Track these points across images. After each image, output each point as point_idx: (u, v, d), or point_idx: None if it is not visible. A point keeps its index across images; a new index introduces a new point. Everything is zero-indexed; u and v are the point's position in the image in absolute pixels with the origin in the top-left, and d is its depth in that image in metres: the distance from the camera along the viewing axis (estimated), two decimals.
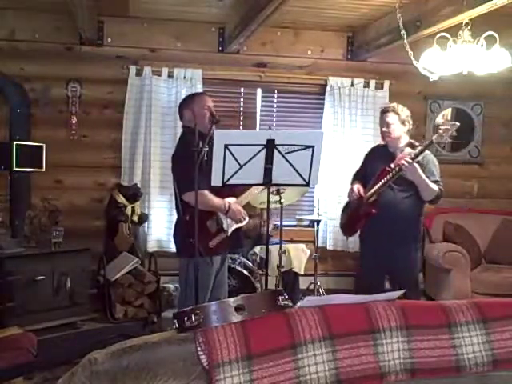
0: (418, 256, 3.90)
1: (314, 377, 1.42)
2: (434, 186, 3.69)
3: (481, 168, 6.07)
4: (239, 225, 3.46)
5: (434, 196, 3.71)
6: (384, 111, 3.85)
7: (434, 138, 3.59)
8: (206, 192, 3.28)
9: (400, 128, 3.79)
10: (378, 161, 3.89)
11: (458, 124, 3.62)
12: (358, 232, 4.06)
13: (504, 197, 6.03)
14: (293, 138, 2.97)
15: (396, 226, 3.72)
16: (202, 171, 3.13)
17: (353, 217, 3.98)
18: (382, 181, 3.70)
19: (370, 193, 3.80)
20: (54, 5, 4.79)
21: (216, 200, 3.35)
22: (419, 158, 3.64)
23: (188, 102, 3.57)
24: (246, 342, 1.41)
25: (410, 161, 3.55)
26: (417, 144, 3.80)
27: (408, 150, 3.76)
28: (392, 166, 3.70)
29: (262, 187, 3.48)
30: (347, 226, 4.13)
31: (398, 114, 3.78)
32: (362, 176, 4.04)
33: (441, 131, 3.58)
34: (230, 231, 3.40)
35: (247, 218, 3.52)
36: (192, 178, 3.11)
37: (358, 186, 3.90)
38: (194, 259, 3.15)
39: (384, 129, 3.81)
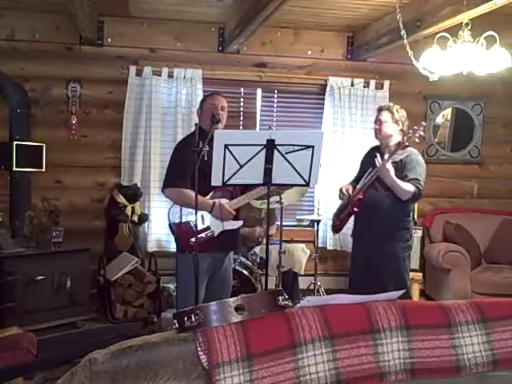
0: (405, 255, 3.88)
1: (313, 377, 1.42)
2: (409, 187, 3.70)
3: (481, 168, 6.07)
4: (230, 227, 3.41)
5: (410, 196, 3.73)
6: (379, 109, 3.94)
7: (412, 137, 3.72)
8: (185, 190, 3.28)
9: (391, 127, 3.84)
10: (369, 161, 3.95)
11: (425, 124, 3.73)
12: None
13: (504, 197, 6.04)
14: (293, 138, 2.97)
15: (380, 224, 3.77)
16: (189, 170, 3.25)
17: (340, 215, 4.08)
18: (365, 180, 3.81)
19: (355, 192, 3.89)
20: (53, 5, 4.79)
21: (185, 196, 3.31)
22: (402, 157, 3.73)
23: (201, 101, 3.68)
24: (246, 342, 1.41)
25: (385, 161, 3.64)
26: (406, 144, 3.84)
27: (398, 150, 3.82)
28: (378, 165, 3.76)
29: (259, 194, 3.44)
30: (335, 224, 4.22)
31: (392, 112, 3.84)
32: (357, 179, 4.09)
33: (411, 132, 3.70)
34: (217, 231, 3.37)
35: (240, 222, 3.47)
36: (171, 175, 3.38)
37: (346, 187, 3.99)
38: (182, 254, 3.32)
39: (376, 126, 3.89)
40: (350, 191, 3.94)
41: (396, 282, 3.72)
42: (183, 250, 3.36)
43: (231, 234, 3.44)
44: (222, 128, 3.43)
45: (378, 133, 3.89)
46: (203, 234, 3.33)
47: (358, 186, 3.89)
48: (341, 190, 4.02)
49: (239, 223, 3.46)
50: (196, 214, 3.13)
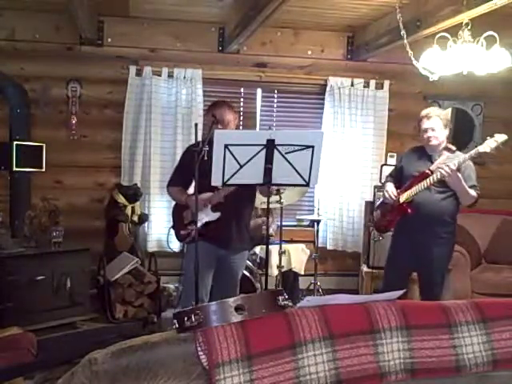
0: (450, 256, 3.91)
1: (313, 377, 1.42)
2: (473, 192, 3.69)
3: (481, 168, 6.05)
4: (209, 218, 3.42)
5: (473, 200, 3.73)
6: (428, 116, 3.77)
7: (480, 148, 3.57)
8: (169, 188, 3.69)
9: (444, 132, 3.78)
10: (415, 162, 3.87)
11: (506, 137, 3.60)
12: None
13: (504, 197, 6.03)
14: (293, 138, 2.97)
15: (430, 226, 3.72)
16: (183, 170, 3.56)
17: (387, 216, 3.98)
18: (422, 184, 3.69)
19: (407, 194, 3.77)
20: (54, 5, 4.79)
21: (177, 194, 3.63)
22: (456, 163, 3.63)
23: (208, 108, 3.69)
24: (246, 342, 1.41)
25: (454, 168, 3.54)
26: (453, 148, 3.80)
27: (446, 153, 3.76)
28: (432, 168, 3.69)
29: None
30: (381, 225, 4.12)
31: (441, 118, 3.76)
32: (395, 177, 4.02)
33: (489, 143, 3.56)
34: (199, 224, 3.35)
35: (217, 214, 3.44)
36: (171, 176, 3.72)
37: (391, 189, 3.88)
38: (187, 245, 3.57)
39: (430, 133, 3.74)
40: (395, 193, 3.85)
41: (439, 281, 3.79)
42: (180, 240, 3.67)
43: (217, 227, 3.43)
44: None
45: (432, 140, 3.75)
46: (190, 227, 3.43)
47: (411, 189, 3.74)
48: (387, 192, 3.89)
49: (216, 215, 3.43)
50: (196, 211, 3.15)
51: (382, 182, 4.18)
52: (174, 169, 3.79)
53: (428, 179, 3.66)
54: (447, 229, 3.80)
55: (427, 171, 3.71)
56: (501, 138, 3.58)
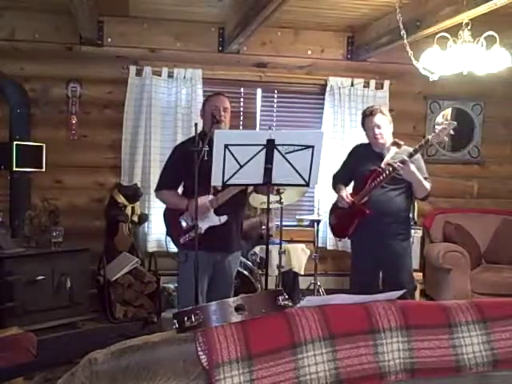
0: (410, 251, 3.93)
1: (313, 377, 1.42)
2: (427, 184, 3.72)
3: (481, 168, 6.07)
4: (215, 223, 3.35)
5: (427, 193, 3.76)
6: (372, 113, 3.77)
7: (430, 137, 3.62)
8: (163, 191, 3.52)
9: (389, 129, 3.80)
10: (365, 161, 3.85)
11: (455, 123, 3.62)
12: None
13: (504, 197, 6.04)
14: (293, 137, 2.96)
15: (387, 223, 3.73)
16: (174, 170, 3.45)
17: (344, 219, 3.94)
18: (375, 182, 3.70)
19: (362, 196, 3.78)
20: (53, 5, 4.79)
21: (174, 198, 3.48)
22: (405, 157, 3.65)
23: (203, 103, 3.66)
24: (246, 342, 1.41)
25: (407, 159, 3.56)
26: (401, 143, 3.81)
27: (395, 149, 3.78)
28: (383, 166, 3.70)
29: (241, 187, 3.39)
30: (339, 229, 4.09)
31: (385, 114, 3.79)
32: (343, 177, 4.01)
33: (437, 131, 3.62)
34: (203, 228, 3.32)
35: (225, 217, 3.36)
36: (160, 178, 3.59)
37: (346, 193, 3.86)
38: (182, 252, 3.42)
39: (376, 130, 3.75)
40: (350, 196, 3.84)
41: (409, 280, 3.78)
42: (180, 248, 3.49)
43: (221, 232, 3.39)
44: (226, 129, 3.42)
45: (379, 138, 3.75)
46: (191, 233, 3.31)
47: (366, 190, 3.73)
48: (342, 198, 3.87)
49: (223, 218, 3.39)
50: (196, 212, 3.12)
51: (332, 184, 4.11)
52: (162, 170, 3.65)
53: (380, 177, 3.67)
54: (404, 225, 3.82)
55: (378, 169, 3.71)
56: (450, 125, 3.61)
